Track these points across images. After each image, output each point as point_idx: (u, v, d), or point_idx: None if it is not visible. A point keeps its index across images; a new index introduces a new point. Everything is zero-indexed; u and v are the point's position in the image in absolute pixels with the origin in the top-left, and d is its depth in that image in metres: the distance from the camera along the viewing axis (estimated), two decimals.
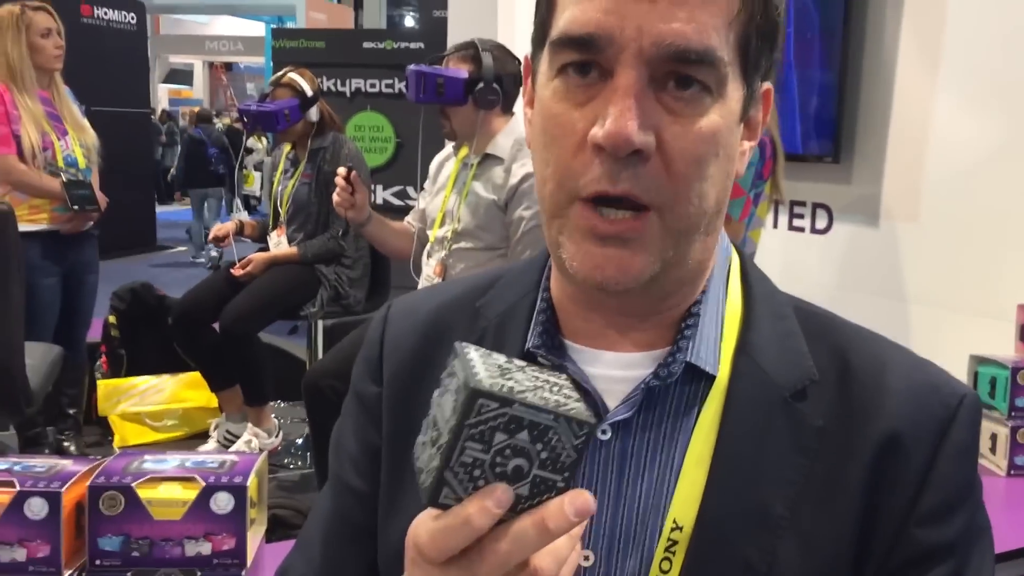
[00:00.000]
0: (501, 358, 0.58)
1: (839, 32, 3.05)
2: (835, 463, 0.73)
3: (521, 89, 0.82)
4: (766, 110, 0.76)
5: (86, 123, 3.62)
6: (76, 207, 3.39)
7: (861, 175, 3.14)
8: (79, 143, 3.51)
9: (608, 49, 0.66)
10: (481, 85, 2.61)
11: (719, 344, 0.76)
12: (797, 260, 3.41)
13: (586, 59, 0.67)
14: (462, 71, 2.64)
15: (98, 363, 4.20)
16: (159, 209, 12.68)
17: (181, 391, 4.14)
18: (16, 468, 1.27)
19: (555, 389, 0.56)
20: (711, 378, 0.74)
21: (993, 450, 2.15)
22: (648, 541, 0.73)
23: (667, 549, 0.72)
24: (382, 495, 0.83)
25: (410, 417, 0.81)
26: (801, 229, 3.37)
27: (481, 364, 0.56)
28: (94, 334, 4.11)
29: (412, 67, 2.68)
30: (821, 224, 3.31)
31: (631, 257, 0.68)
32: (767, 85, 0.75)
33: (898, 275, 3.03)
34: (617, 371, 0.75)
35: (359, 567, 0.63)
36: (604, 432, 0.74)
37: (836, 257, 3.26)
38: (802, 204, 3.36)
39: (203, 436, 3.97)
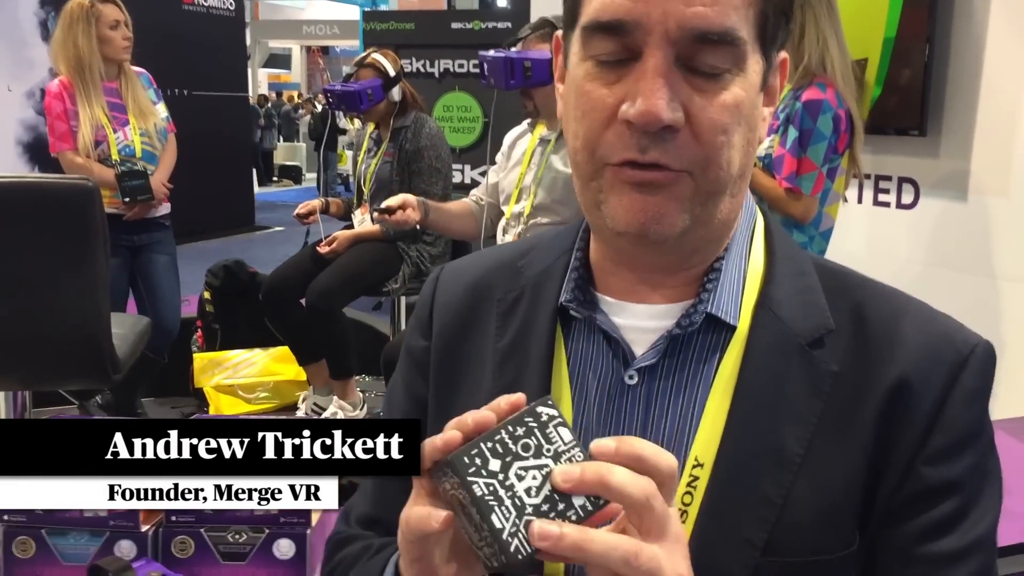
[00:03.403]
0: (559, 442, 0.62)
1: (927, 2, 2.96)
2: (848, 406, 0.76)
3: (552, 65, 0.85)
4: (783, 78, 0.80)
5: (153, 108, 3.71)
6: (127, 199, 3.51)
7: (949, 149, 3.05)
8: (140, 131, 3.62)
9: (636, 32, 0.71)
10: None
11: (740, 297, 0.81)
12: (882, 236, 3.34)
13: (615, 49, 0.72)
14: (545, 51, 2.64)
15: (194, 337, 4.37)
16: (257, 191, 13.03)
17: (272, 364, 4.28)
18: None
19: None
20: (732, 328, 0.79)
21: None
22: None
23: (689, 484, 0.76)
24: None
25: (455, 368, 0.90)
26: (887, 204, 3.30)
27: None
28: (189, 310, 4.28)
29: (494, 53, 2.68)
30: (907, 199, 3.23)
31: (666, 204, 0.73)
32: (783, 55, 0.79)
33: (987, 251, 2.95)
34: (645, 321, 0.81)
35: (405, 502, 0.69)
36: (631, 377, 0.80)
37: (923, 233, 3.19)
38: (888, 179, 3.28)
39: (292, 408, 4.10)
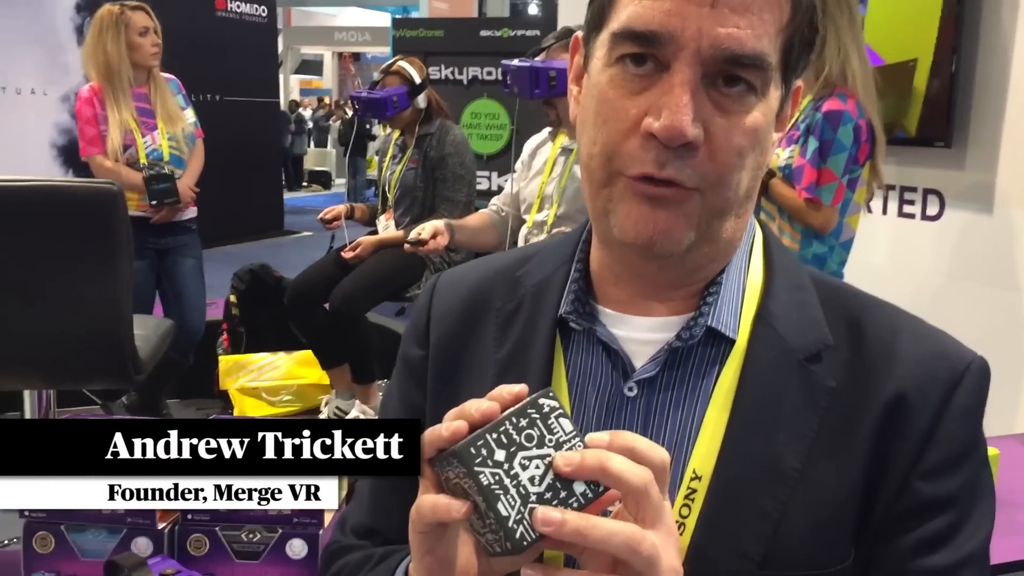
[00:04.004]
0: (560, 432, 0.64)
1: (954, 13, 2.95)
2: (846, 421, 0.77)
3: (567, 66, 0.86)
4: (795, 106, 0.81)
5: (182, 114, 3.77)
6: (154, 202, 3.56)
7: (975, 160, 3.03)
8: (167, 135, 3.67)
9: (668, 46, 0.71)
10: None
11: (739, 311, 0.81)
12: (907, 247, 3.32)
13: (645, 52, 0.72)
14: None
15: (220, 340, 4.42)
16: (287, 195, 13.13)
17: (296, 368, 4.31)
18: None
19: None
20: (731, 342, 0.80)
21: None
22: (669, 489, 0.77)
23: (687, 497, 0.77)
24: None
25: (453, 378, 0.90)
26: (912, 215, 3.28)
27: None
28: (216, 313, 4.33)
29: (518, 62, 2.70)
30: (932, 211, 3.21)
31: (675, 220, 0.74)
32: (798, 83, 0.80)
33: (1012, 264, 2.92)
34: (644, 334, 0.81)
35: (403, 513, 0.70)
36: (631, 389, 0.80)
37: (948, 244, 3.17)
38: (913, 190, 3.27)
39: (315, 411, 4.13)
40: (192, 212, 3.78)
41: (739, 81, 0.72)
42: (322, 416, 4.01)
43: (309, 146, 18.64)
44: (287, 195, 13.13)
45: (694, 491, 0.77)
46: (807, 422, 0.77)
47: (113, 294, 1.88)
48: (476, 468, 0.61)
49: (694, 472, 0.77)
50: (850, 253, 2.62)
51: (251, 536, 1.40)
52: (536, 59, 2.70)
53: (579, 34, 0.82)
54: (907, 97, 3.09)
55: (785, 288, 0.82)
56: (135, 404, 3.79)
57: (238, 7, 10.53)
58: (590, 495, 0.62)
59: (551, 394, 0.64)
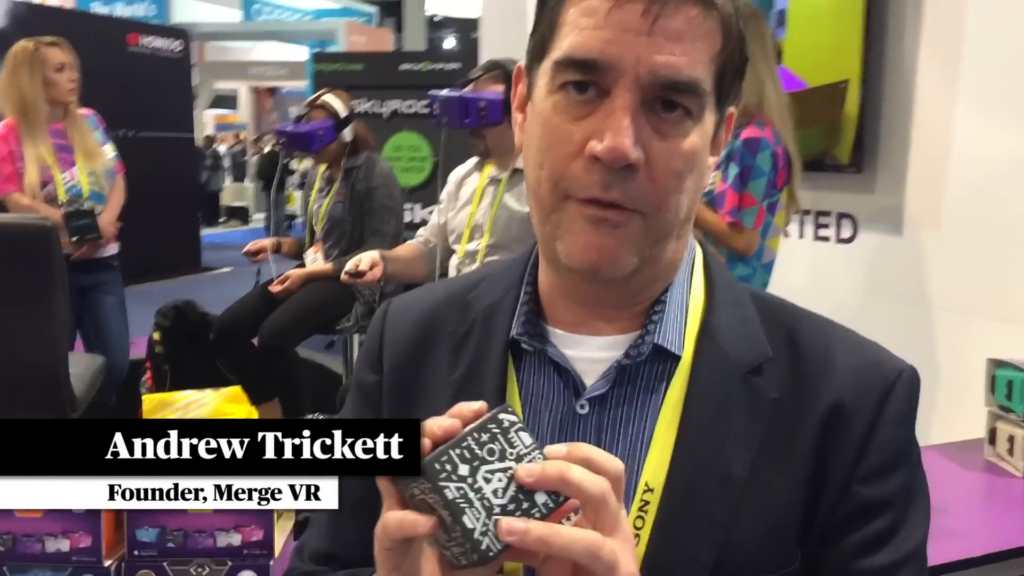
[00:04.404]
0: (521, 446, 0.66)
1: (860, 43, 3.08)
2: (788, 430, 0.81)
3: (511, 95, 0.89)
4: (728, 130, 0.85)
5: (100, 149, 3.72)
6: (75, 238, 3.49)
7: (884, 184, 3.16)
8: (87, 171, 3.62)
9: (608, 73, 0.74)
10: None
11: (684, 328, 0.84)
12: (823, 269, 3.44)
13: (586, 79, 0.75)
14: (497, 92, 2.70)
15: (143, 379, 4.32)
16: (204, 232, 12.91)
17: (223, 405, 4.21)
18: None
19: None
20: (677, 358, 0.83)
21: (1011, 452, 2.18)
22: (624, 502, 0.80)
23: (640, 509, 0.80)
24: None
25: (409, 401, 0.91)
26: (827, 239, 3.40)
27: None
28: (138, 351, 4.24)
29: (447, 93, 2.74)
30: (846, 233, 3.34)
31: (618, 246, 0.77)
32: (731, 109, 0.84)
33: (922, 282, 3.06)
34: (594, 353, 0.84)
35: (361, 537, 0.72)
36: (583, 406, 0.83)
37: (861, 266, 3.29)
38: (827, 214, 3.39)
39: None
40: (113, 248, 3.72)
41: (676, 107, 0.75)
42: None
43: (226, 182, 18.36)
44: (204, 231, 12.91)
45: (647, 503, 0.80)
46: (752, 432, 0.80)
47: (49, 331, 1.85)
48: (441, 483, 0.62)
49: (646, 484, 0.80)
50: (771, 275, 2.72)
51: (200, 570, 1.39)
52: (465, 90, 2.75)
53: (522, 64, 0.85)
54: (837, 121, 3.18)
55: (726, 304, 0.86)
56: None
57: (151, 42, 10.39)
58: (551, 505, 0.64)
59: (510, 409, 0.66)
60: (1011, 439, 2.18)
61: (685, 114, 0.76)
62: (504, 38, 4.70)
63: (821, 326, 0.87)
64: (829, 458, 0.80)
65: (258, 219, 17.46)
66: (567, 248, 0.78)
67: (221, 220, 17.43)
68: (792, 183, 2.63)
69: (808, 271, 3.47)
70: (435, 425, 0.66)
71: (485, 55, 4.78)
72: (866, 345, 0.86)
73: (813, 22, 3.27)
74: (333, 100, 3.74)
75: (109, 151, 3.75)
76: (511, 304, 0.88)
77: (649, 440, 0.81)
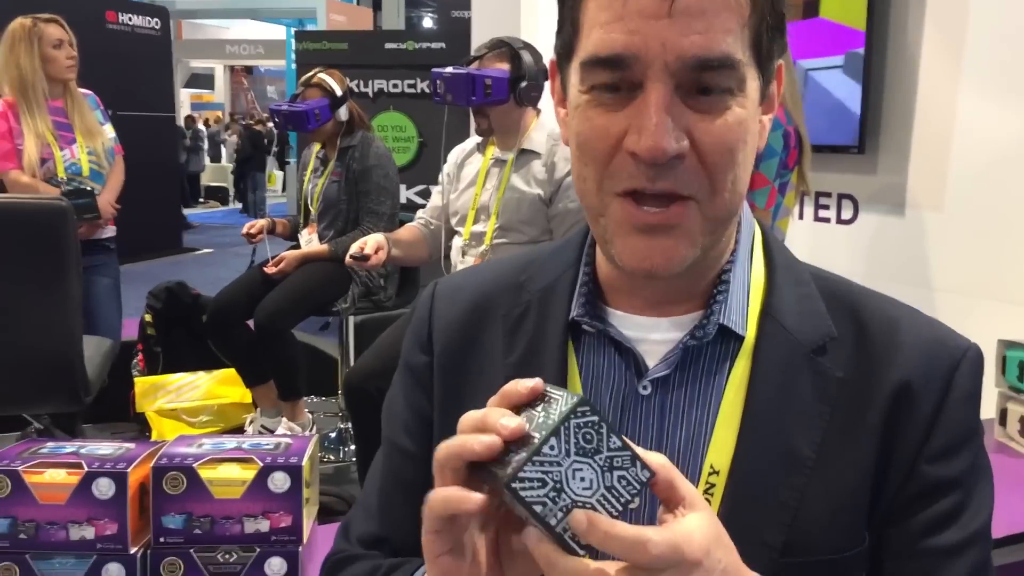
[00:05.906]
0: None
1: (863, 23, 3.07)
2: (854, 410, 0.80)
3: (548, 88, 0.87)
4: (779, 82, 0.82)
5: (101, 128, 3.69)
6: (74, 217, 3.45)
7: (886, 165, 3.16)
8: (87, 150, 3.58)
9: (636, 66, 0.72)
10: (524, 83, 2.66)
11: (746, 308, 0.83)
12: (824, 250, 3.43)
13: (615, 80, 0.73)
14: (504, 70, 2.68)
15: (135, 361, 4.28)
16: (185, 211, 12.80)
17: (216, 387, 4.21)
18: (82, 451, 1.33)
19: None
20: (740, 338, 0.82)
21: (1022, 433, 2.18)
22: None
23: (706, 492, 0.79)
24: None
25: (460, 385, 0.90)
26: (827, 220, 3.40)
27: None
28: (130, 333, 4.19)
29: (453, 70, 2.71)
30: (847, 214, 3.33)
31: (675, 246, 0.75)
32: (779, 62, 0.80)
33: (924, 263, 3.06)
34: (656, 334, 0.83)
35: (414, 520, 0.69)
36: (645, 388, 0.82)
37: (862, 247, 3.29)
38: (828, 195, 3.39)
39: (238, 431, 4.03)
40: (111, 231, 3.68)
41: (713, 88, 0.73)
42: (247, 435, 3.92)
43: (207, 161, 18.20)
44: (185, 211, 12.80)
45: (712, 486, 0.79)
46: (818, 413, 0.80)
47: (63, 313, 1.81)
48: (528, 498, 0.60)
49: (712, 467, 0.79)
50: None
51: (227, 557, 1.36)
52: (471, 67, 2.71)
53: (553, 59, 0.84)
54: None
55: (788, 284, 0.85)
56: (48, 429, 3.63)
57: (130, 19, 10.24)
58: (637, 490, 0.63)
59: (588, 404, 0.62)
60: (1022, 420, 2.18)
61: (724, 91, 0.73)
62: (494, 18, 4.65)
63: (884, 304, 0.86)
64: (897, 437, 0.80)
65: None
66: (618, 253, 0.77)
67: (201, 200, 17.28)
68: (802, 164, 2.62)
69: (808, 253, 3.45)
70: (499, 424, 0.63)
71: (477, 35, 4.73)
72: (930, 323, 0.85)
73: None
74: (328, 79, 3.69)
75: (109, 131, 3.72)
76: (567, 286, 0.87)
77: (713, 422, 0.80)
